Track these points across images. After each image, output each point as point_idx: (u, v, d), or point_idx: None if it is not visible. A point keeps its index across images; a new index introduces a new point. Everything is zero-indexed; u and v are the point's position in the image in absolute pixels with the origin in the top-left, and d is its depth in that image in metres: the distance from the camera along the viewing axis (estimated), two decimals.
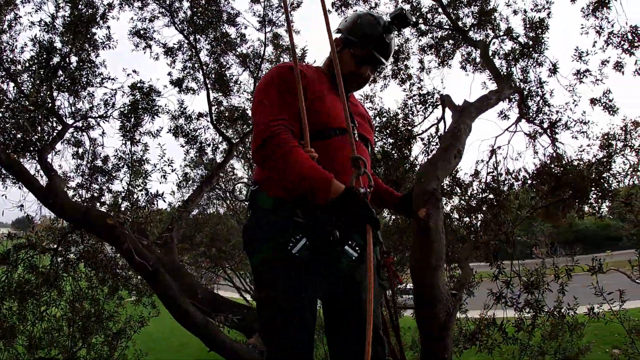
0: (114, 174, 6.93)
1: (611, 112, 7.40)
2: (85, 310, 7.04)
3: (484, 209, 6.21)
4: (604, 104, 7.46)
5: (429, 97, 6.31)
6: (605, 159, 6.48)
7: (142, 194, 5.93)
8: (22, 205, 6.59)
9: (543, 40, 7.50)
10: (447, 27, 8.04)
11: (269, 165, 1.73)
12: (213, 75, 7.84)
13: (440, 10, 7.79)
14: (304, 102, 1.76)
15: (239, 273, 12.16)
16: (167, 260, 5.00)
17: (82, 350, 6.96)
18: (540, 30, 7.53)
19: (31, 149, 6.20)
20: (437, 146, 6.13)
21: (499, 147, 7.28)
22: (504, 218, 6.13)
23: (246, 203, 1.97)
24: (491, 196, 6.36)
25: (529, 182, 6.88)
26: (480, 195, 6.41)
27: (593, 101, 7.54)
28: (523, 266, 6.50)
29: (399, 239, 6.64)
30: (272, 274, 1.74)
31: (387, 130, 6.02)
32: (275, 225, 1.74)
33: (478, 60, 8.12)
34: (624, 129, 7.37)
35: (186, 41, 7.70)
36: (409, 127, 6.27)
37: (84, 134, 7.39)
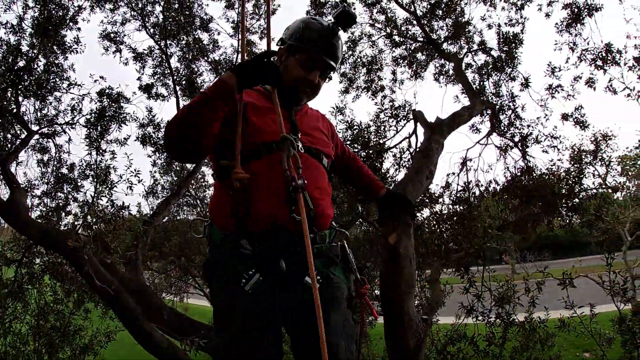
0: (79, 183, 6.71)
1: (582, 127, 7.55)
2: (51, 324, 6.79)
3: (454, 219, 6.24)
4: (575, 119, 7.60)
5: (401, 111, 6.32)
6: (576, 173, 6.59)
7: (107, 205, 5.78)
8: None
9: (516, 55, 7.62)
10: (421, 39, 8.08)
11: (170, 142, 1.69)
12: (183, 82, 7.66)
13: (414, 22, 7.82)
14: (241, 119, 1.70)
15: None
16: (132, 280, 4.83)
17: None
18: (513, 44, 7.64)
19: None
20: (409, 161, 6.15)
21: (470, 160, 7.36)
22: (474, 230, 6.17)
23: (205, 239, 1.86)
24: (462, 208, 6.41)
25: (499, 195, 6.97)
26: (451, 207, 6.45)
27: (565, 116, 7.68)
28: (493, 274, 6.56)
29: (369, 250, 6.61)
30: (228, 314, 1.62)
31: (358, 143, 5.99)
32: (225, 261, 1.67)
33: (451, 72, 8.19)
34: (594, 142, 7.55)
35: (157, 46, 7.51)
36: (381, 141, 6.26)
37: (50, 140, 7.14)
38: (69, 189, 6.88)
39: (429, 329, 3.56)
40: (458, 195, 6.61)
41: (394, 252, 2.84)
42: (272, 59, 1.72)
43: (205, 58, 7.76)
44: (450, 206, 6.49)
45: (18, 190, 5.50)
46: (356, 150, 5.94)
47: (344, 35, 7.74)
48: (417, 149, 4.91)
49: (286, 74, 1.86)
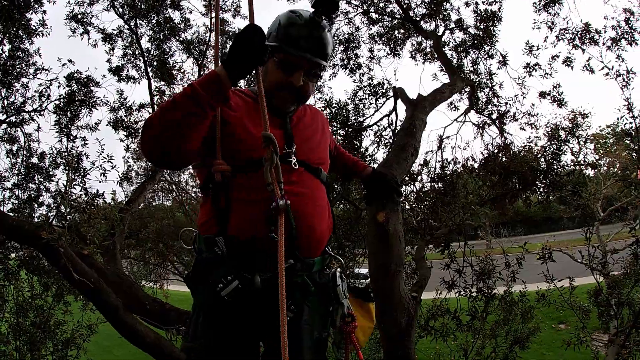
0: (51, 172, 6.46)
1: (560, 104, 7.65)
2: (31, 320, 6.60)
3: (433, 196, 6.28)
4: (552, 97, 7.70)
5: (380, 88, 6.25)
6: (554, 150, 6.69)
7: (81, 194, 5.55)
8: None
9: (494, 33, 7.62)
10: (399, 16, 7.99)
11: (150, 149, 1.45)
12: (155, 63, 7.40)
13: None
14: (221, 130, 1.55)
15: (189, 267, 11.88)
16: (111, 270, 4.68)
17: None
18: (491, 22, 7.63)
19: None
20: (390, 139, 6.12)
21: (448, 137, 7.40)
22: (454, 207, 6.23)
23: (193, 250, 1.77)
24: (440, 185, 6.45)
25: (477, 171, 7.04)
26: (429, 185, 6.49)
27: (542, 94, 7.77)
28: (471, 249, 6.66)
29: (350, 229, 6.61)
30: (203, 320, 1.55)
31: (337, 122, 5.92)
32: (205, 264, 1.58)
33: (428, 50, 8.16)
34: (572, 120, 7.68)
35: (126, 26, 7.21)
36: (360, 118, 6.21)
37: (18, 129, 6.85)
38: (40, 179, 6.63)
39: (419, 307, 3.57)
40: (437, 172, 6.64)
41: (383, 231, 2.81)
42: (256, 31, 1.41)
43: (177, 38, 7.51)
44: (429, 184, 6.52)
45: None
46: (335, 128, 5.89)
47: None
48: (400, 127, 4.87)
49: (265, 79, 1.64)
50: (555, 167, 6.40)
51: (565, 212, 15.85)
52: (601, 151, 15.73)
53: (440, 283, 6.30)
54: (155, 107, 7.26)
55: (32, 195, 6.58)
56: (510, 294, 6.63)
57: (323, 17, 1.58)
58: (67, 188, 5.25)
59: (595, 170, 13.92)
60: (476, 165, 7.42)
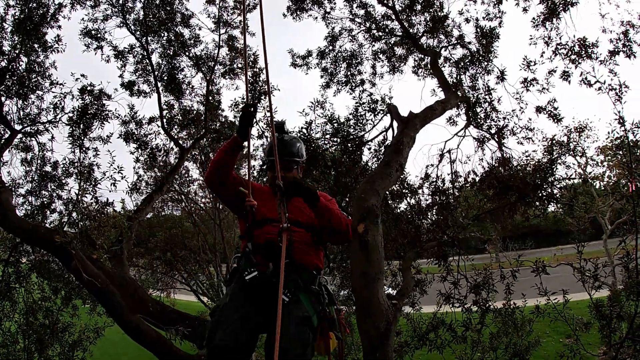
0: (63, 181, 6.75)
1: (555, 120, 7.77)
2: (40, 322, 6.85)
3: (434, 211, 6.43)
4: (549, 112, 7.82)
5: (378, 105, 6.47)
6: (548, 165, 6.79)
7: (92, 202, 5.83)
8: None
9: (493, 49, 7.81)
10: (400, 34, 8.22)
11: (209, 176, 2.63)
12: (165, 78, 7.71)
13: (393, 17, 7.96)
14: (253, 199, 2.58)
15: (197, 276, 12.00)
16: (117, 274, 4.94)
17: None
18: (490, 38, 7.81)
19: None
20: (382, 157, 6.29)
21: (449, 151, 7.54)
22: (450, 222, 6.36)
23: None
24: (440, 199, 6.59)
25: (477, 185, 7.16)
26: (430, 198, 6.63)
27: (539, 109, 7.89)
28: (472, 263, 6.76)
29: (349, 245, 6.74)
30: (229, 290, 2.44)
31: (338, 137, 6.14)
32: (239, 262, 2.51)
33: (429, 66, 8.36)
34: (567, 134, 7.78)
35: (138, 43, 7.55)
36: (360, 134, 6.41)
37: (33, 139, 7.15)
38: (53, 187, 6.90)
39: (399, 313, 3.73)
40: (437, 186, 6.79)
41: (362, 241, 3.00)
42: (251, 109, 2.57)
43: (187, 53, 7.81)
44: (430, 197, 6.67)
45: (4, 190, 5.54)
46: (336, 143, 6.09)
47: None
48: (389, 143, 5.06)
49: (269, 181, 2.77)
50: (549, 180, 6.49)
51: (573, 226, 15.73)
52: (611, 163, 15.58)
53: (437, 295, 6.42)
54: (164, 120, 7.58)
55: (45, 202, 6.82)
56: (508, 307, 6.70)
57: (281, 134, 2.85)
58: (79, 196, 5.53)
59: (604, 183, 13.87)
60: (476, 179, 7.52)
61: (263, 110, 6.78)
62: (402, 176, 6.14)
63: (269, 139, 2.84)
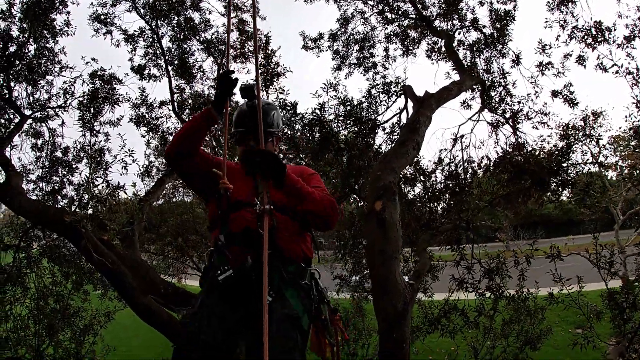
0: (74, 166, 6.73)
1: (571, 104, 7.62)
2: (51, 307, 6.89)
3: (446, 196, 6.34)
4: (565, 96, 7.67)
5: (392, 87, 6.36)
6: (565, 149, 6.67)
7: (103, 186, 5.83)
8: None
9: (508, 32, 7.64)
10: (413, 16, 8.07)
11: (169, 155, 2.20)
12: (175, 62, 7.63)
13: None
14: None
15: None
16: (128, 256, 4.91)
17: (49, 348, 6.83)
18: (505, 21, 7.65)
19: None
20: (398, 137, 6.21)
21: (462, 136, 7.43)
22: (465, 206, 6.27)
23: None
24: (453, 183, 6.49)
25: (491, 170, 7.05)
26: (443, 183, 6.54)
27: (554, 93, 7.74)
28: (485, 250, 6.69)
29: (364, 225, 6.70)
30: (200, 295, 2.11)
31: (351, 119, 6.05)
32: (211, 257, 2.15)
33: (443, 49, 8.22)
34: (583, 119, 7.64)
35: (148, 27, 7.47)
36: (373, 116, 6.31)
37: (43, 124, 7.13)
38: (63, 172, 6.90)
39: (416, 294, 3.66)
40: (450, 170, 6.69)
41: (380, 219, 2.93)
42: (231, 77, 2.17)
43: (197, 37, 7.72)
44: (443, 181, 6.57)
45: (14, 174, 5.54)
46: (349, 125, 6.01)
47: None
48: (405, 123, 4.96)
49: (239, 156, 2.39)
50: (565, 165, 6.37)
51: (585, 215, 15.56)
52: (623, 153, 15.35)
53: (450, 280, 6.36)
54: (175, 104, 7.54)
55: (56, 188, 6.82)
56: (520, 293, 6.63)
57: (252, 100, 2.28)
58: (90, 179, 5.52)
59: (616, 173, 13.66)
60: (490, 164, 7.42)
61: (275, 92, 6.65)
62: (415, 159, 6.04)
63: (238, 105, 2.54)
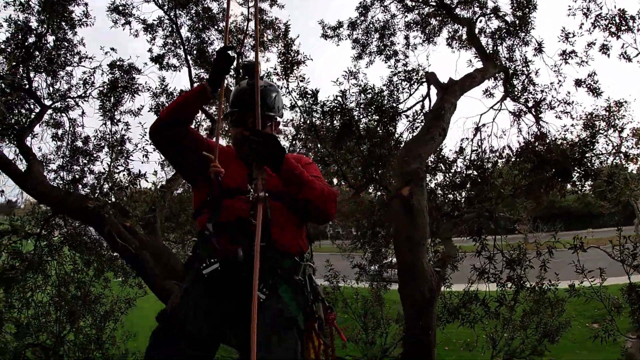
0: (95, 155, 6.78)
1: (595, 94, 7.45)
2: (72, 293, 6.99)
3: (467, 186, 6.26)
4: (588, 86, 7.50)
5: (414, 74, 6.28)
6: (588, 139, 6.55)
7: (124, 174, 5.88)
8: (2, 191, 6.54)
9: (530, 20, 7.47)
10: (434, 3, 7.94)
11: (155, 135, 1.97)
12: (195, 52, 7.62)
13: None
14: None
15: None
16: (151, 242, 4.95)
17: (70, 334, 6.94)
18: (527, 9, 7.48)
19: (9, 132, 6.04)
20: (422, 124, 6.13)
21: (484, 125, 7.32)
22: (487, 195, 6.19)
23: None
24: (475, 173, 6.41)
25: (513, 159, 6.95)
26: (465, 172, 6.45)
27: (578, 82, 7.57)
28: (506, 241, 6.62)
29: (384, 214, 6.66)
30: (188, 281, 1.92)
31: (372, 107, 5.99)
32: (196, 247, 1.97)
33: (464, 37, 8.08)
34: (607, 109, 7.47)
35: (166, 17, 7.47)
36: (394, 104, 6.24)
37: (63, 114, 7.18)
38: (84, 161, 6.96)
39: (442, 282, 3.62)
40: (472, 160, 6.60)
41: (407, 205, 2.89)
42: (228, 52, 1.94)
43: (215, 27, 7.69)
44: (464, 171, 6.49)
45: (34, 161, 5.61)
46: (371, 113, 5.94)
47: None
48: (430, 109, 4.88)
49: (232, 140, 2.15)
50: (589, 156, 6.25)
51: (605, 209, 15.27)
52: None
53: (471, 270, 6.30)
54: None
55: (76, 177, 6.88)
56: (541, 285, 6.56)
57: (250, 78, 2.07)
58: (111, 167, 5.57)
59: (638, 166, 13.35)
60: (512, 154, 7.31)
61: (295, 80, 6.59)
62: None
63: (235, 85, 2.23)
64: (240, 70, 2.20)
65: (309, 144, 6.60)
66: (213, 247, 1.83)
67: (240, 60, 7.17)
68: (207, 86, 1.93)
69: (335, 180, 7.46)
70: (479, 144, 7.26)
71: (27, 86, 6.21)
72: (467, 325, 6.29)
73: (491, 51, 7.52)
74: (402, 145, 5.81)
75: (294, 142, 7.56)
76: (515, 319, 7.33)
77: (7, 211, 9.43)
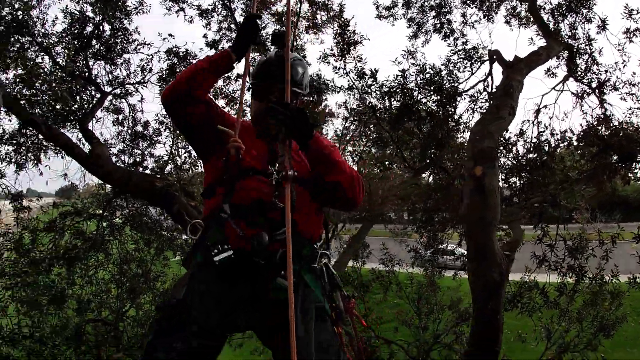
0: (155, 138, 7.03)
1: None
2: (133, 271, 7.31)
3: (528, 169, 6.02)
4: None
5: (474, 53, 6.05)
6: None
7: (185, 156, 6.06)
8: (65, 174, 6.96)
9: None
10: None
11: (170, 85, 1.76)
12: None
13: None
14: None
15: None
16: None
17: (130, 310, 7.27)
18: None
19: (71, 118, 6.34)
20: (486, 103, 5.94)
21: (545, 107, 6.98)
22: (550, 179, 5.95)
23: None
24: (536, 157, 6.15)
25: (575, 143, 6.64)
26: (526, 156, 6.21)
27: None
28: (566, 230, 6.37)
29: (440, 198, 6.53)
30: (190, 272, 1.72)
31: (431, 87, 5.83)
32: (206, 229, 1.73)
33: (523, 14, 7.70)
34: None
35: (220, 2, 7.58)
36: (454, 84, 6.05)
37: (123, 100, 7.47)
38: (144, 145, 7.23)
39: (511, 266, 3.54)
40: (533, 143, 6.33)
41: (479, 185, 2.83)
42: (255, 20, 1.78)
43: (268, 10, 7.74)
44: (525, 155, 6.25)
45: (97, 143, 5.87)
46: (430, 94, 5.80)
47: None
48: (496, 88, 4.71)
49: (251, 114, 1.91)
50: None
51: None
52: None
53: (531, 258, 6.11)
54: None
55: (137, 160, 7.17)
56: (601, 275, 6.30)
57: (283, 50, 1.81)
58: (172, 150, 5.76)
59: None
60: (574, 138, 6.98)
61: (353, 61, 6.52)
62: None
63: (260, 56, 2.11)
64: (271, 39, 1.87)
65: (362, 127, 6.50)
66: (230, 230, 1.63)
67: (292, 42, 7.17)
68: (232, 53, 1.77)
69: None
70: (539, 126, 6.95)
71: (87, 74, 6.47)
72: (525, 314, 6.13)
73: (553, 29, 7.16)
74: (461, 127, 5.69)
75: (346, 125, 7.61)
76: (572, 310, 7.09)
77: (67, 195, 10.00)
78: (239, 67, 1.95)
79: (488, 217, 2.88)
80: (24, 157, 6.66)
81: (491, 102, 4.25)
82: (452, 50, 6.15)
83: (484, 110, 5.97)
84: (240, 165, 1.69)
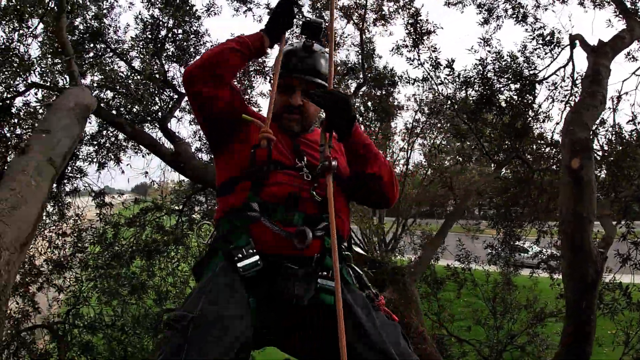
0: None
1: None
2: None
3: (612, 160, 5.66)
4: None
5: (553, 38, 5.73)
6: None
7: None
8: (146, 172, 7.45)
9: None
10: None
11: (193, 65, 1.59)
12: None
13: None
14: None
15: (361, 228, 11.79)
16: None
17: None
18: None
19: (150, 119, 6.72)
20: (566, 91, 5.65)
21: (627, 93, 6.52)
22: (635, 172, 5.57)
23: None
24: (620, 147, 5.77)
25: None
26: (609, 146, 5.84)
27: None
28: None
29: (519, 192, 6.28)
30: (206, 284, 1.39)
31: (508, 75, 5.59)
32: (227, 234, 1.50)
33: None
34: None
35: None
36: (533, 71, 5.78)
37: None
38: None
39: (605, 264, 3.37)
40: (614, 132, 5.95)
41: (576, 178, 2.73)
42: (293, 6, 1.66)
43: (336, 6, 7.75)
44: (607, 145, 5.88)
45: (180, 142, 6.19)
46: (507, 82, 5.56)
47: None
48: (584, 75, 4.44)
49: (276, 106, 1.70)
50: None
51: None
52: None
53: (615, 256, 5.77)
54: None
55: (212, 158, 7.47)
56: None
57: (312, 41, 1.73)
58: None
59: None
60: None
61: (428, 51, 6.42)
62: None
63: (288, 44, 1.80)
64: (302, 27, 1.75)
65: (433, 119, 6.33)
66: (261, 230, 1.44)
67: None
68: (265, 37, 1.65)
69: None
70: (613, 116, 6.50)
71: (163, 77, 6.81)
72: (607, 316, 5.79)
73: (631, 9, 6.65)
74: (540, 118, 5.42)
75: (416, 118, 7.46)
76: None
77: (143, 192, 10.61)
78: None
79: (583, 212, 2.77)
80: (105, 157, 7.18)
81: (578, 90, 4.02)
82: (530, 35, 5.86)
83: (565, 99, 5.70)
84: (269, 159, 1.49)
